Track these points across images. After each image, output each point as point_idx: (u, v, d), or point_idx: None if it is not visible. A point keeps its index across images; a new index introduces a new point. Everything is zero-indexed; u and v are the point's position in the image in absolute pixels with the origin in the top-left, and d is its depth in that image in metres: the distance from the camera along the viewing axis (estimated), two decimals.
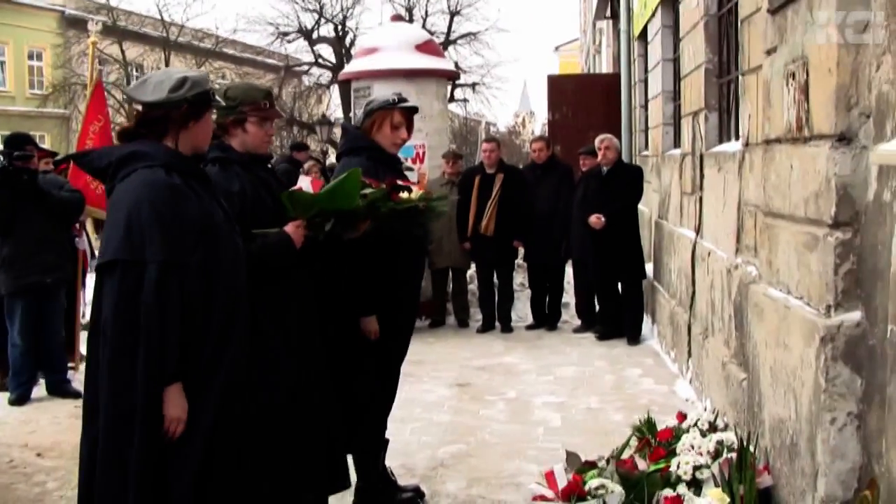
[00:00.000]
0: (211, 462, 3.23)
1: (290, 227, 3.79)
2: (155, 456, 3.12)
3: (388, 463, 4.79)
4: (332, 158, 23.47)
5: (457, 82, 30.32)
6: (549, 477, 4.08)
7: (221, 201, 3.45)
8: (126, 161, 3.25)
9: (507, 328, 9.83)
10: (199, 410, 3.19)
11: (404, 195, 4.23)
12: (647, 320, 9.49)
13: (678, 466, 4.06)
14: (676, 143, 8.85)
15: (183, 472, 3.17)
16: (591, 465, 4.25)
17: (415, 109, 4.76)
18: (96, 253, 9.26)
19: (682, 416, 4.83)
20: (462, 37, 34.00)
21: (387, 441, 4.80)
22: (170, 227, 3.13)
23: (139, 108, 3.37)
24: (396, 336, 4.65)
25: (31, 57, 36.62)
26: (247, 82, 5.13)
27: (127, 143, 3.35)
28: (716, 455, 4.12)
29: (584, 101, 14.61)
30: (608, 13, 17.92)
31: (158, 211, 3.12)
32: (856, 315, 3.32)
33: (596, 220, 8.84)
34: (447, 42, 32.36)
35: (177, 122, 3.30)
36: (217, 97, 3.52)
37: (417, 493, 4.87)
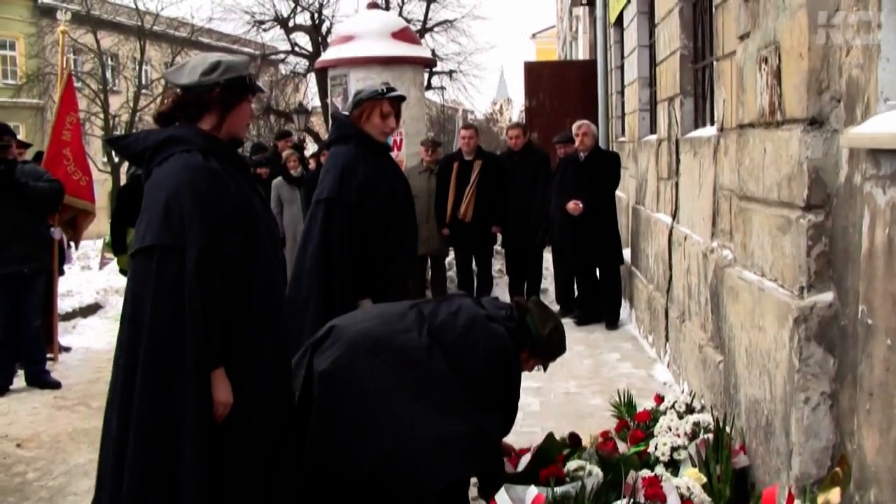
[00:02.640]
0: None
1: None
2: (212, 440, 3.09)
3: None
4: (309, 147, 23.44)
5: (434, 70, 30.21)
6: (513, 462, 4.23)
7: (258, 187, 3.44)
8: (163, 145, 3.23)
9: None
10: (242, 395, 3.17)
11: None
12: (624, 305, 9.54)
13: (656, 448, 4.11)
14: (653, 128, 8.89)
15: (236, 460, 3.18)
16: (576, 442, 4.32)
17: (402, 98, 4.79)
18: (72, 244, 9.26)
19: (659, 399, 4.88)
20: (439, 24, 33.83)
21: None
22: (209, 211, 3.10)
23: (178, 91, 3.35)
24: None
25: (3, 46, 36.15)
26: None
27: (163, 125, 3.34)
28: (693, 436, 4.17)
29: (561, 87, 14.64)
30: (584, 0, 17.94)
31: (198, 195, 3.10)
32: (828, 296, 3.37)
33: (574, 205, 8.87)
34: (424, 29, 32.20)
35: (210, 106, 3.28)
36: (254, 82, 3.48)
37: None
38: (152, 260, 3.07)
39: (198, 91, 3.26)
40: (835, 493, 3.06)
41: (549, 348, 4.03)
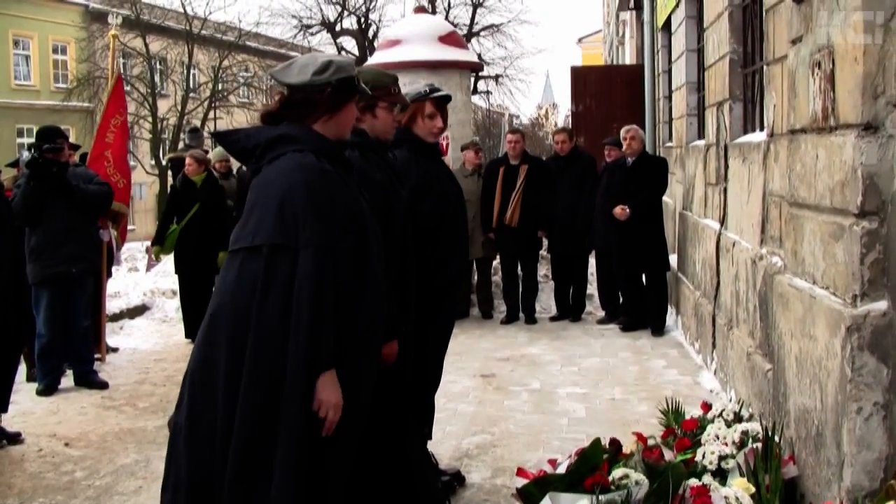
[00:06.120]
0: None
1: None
2: (308, 449, 3.03)
3: None
4: None
5: (480, 74, 30.27)
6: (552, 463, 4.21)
7: (363, 189, 3.43)
8: (275, 143, 3.20)
9: (531, 319, 9.83)
10: (351, 398, 3.12)
11: None
12: (671, 311, 9.47)
13: (703, 456, 4.06)
14: (701, 133, 8.81)
15: (339, 461, 3.16)
16: (616, 447, 4.28)
17: (447, 98, 4.79)
18: (119, 245, 9.38)
19: (706, 407, 4.83)
20: (485, 28, 33.95)
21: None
22: (324, 212, 3.07)
23: (283, 90, 3.31)
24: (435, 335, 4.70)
25: (55, 51, 36.81)
26: (375, 68, 5.13)
27: (270, 125, 3.30)
28: (741, 445, 4.12)
29: (608, 92, 14.56)
30: (632, 4, 17.80)
31: (314, 195, 3.06)
32: (882, 305, 3.30)
33: (620, 211, 8.83)
34: (470, 34, 32.31)
35: (320, 106, 3.25)
36: (363, 84, 3.42)
37: (455, 478, 4.89)
38: (262, 258, 3.03)
39: (309, 90, 3.22)
40: None
41: (369, 85, 3.70)
